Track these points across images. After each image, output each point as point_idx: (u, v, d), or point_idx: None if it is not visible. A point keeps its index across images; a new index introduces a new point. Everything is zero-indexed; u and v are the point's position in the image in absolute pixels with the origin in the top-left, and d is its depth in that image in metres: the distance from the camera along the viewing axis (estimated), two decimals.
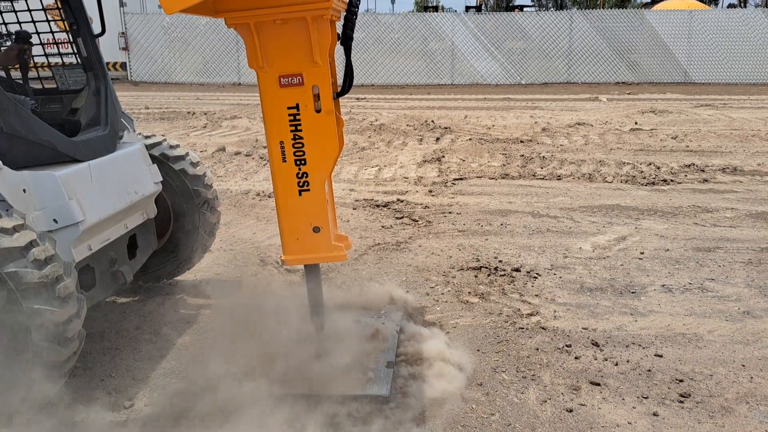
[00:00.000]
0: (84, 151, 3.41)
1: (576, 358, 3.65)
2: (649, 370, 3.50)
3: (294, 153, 3.35)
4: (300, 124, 3.32)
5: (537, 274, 4.95)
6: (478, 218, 6.40)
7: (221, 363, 3.49)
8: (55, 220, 3.10)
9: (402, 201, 7.07)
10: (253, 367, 3.42)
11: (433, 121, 12.26)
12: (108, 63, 20.93)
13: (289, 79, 3.27)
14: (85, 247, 3.37)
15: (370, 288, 4.52)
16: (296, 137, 3.33)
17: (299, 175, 3.38)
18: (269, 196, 7.26)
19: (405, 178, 8.19)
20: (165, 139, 4.30)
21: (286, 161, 3.37)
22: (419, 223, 6.29)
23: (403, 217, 6.47)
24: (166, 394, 3.31)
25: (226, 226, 6.26)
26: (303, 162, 3.37)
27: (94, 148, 3.50)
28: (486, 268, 5.04)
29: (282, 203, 3.44)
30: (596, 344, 3.80)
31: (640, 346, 3.78)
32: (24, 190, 3.03)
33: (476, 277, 4.90)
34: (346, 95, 3.45)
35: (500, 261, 5.22)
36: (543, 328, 4.02)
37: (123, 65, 20.91)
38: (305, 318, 3.67)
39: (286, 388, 3.24)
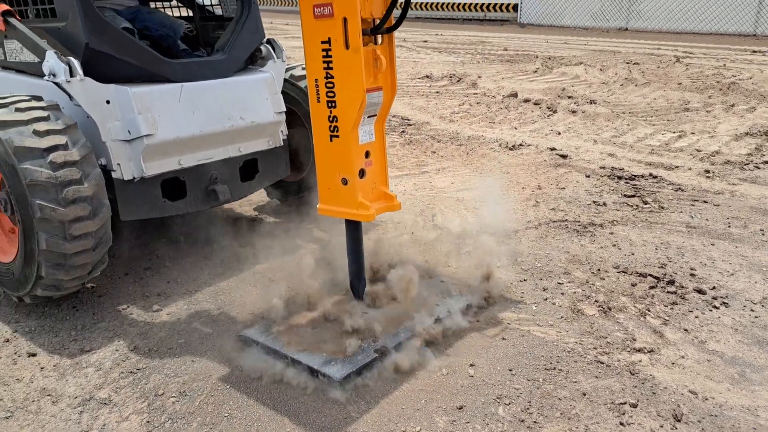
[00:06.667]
0: (180, 73, 3.68)
1: (621, 424, 2.54)
2: None
3: (326, 93, 3.04)
4: (331, 62, 2.98)
5: (725, 303, 3.52)
6: (737, 216, 4.78)
7: (251, 296, 3.52)
8: (128, 131, 3.47)
9: (655, 177, 5.70)
10: (264, 311, 3.37)
11: None
12: (498, 5, 21.62)
13: (322, 9, 2.93)
14: (171, 161, 3.70)
15: (474, 262, 3.88)
16: (328, 75, 3.01)
17: (330, 119, 3.07)
18: (511, 149, 6.68)
19: (696, 150, 6.54)
20: (300, 65, 4.36)
21: (319, 102, 3.08)
22: (646, 207, 5.02)
23: (633, 196, 5.24)
24: (189, 311, 3.50)
25: (440, 171, 6.05)
26: (333, 105, 3.03)
27: (193, 71, 3.74)
28: (657, 278, 3.79)
29: (317, 147, 3.19)
30: (677, 418, 2.57)
31: None
32: (108, 101, 3.45)
33: (633, 285, 3.73)
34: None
35: (693, 275, 3.85)
36: (632, 372, 2.88)
37: (515, 7, 21.18)
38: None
39: (257, 336, 3.10)
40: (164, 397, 2.79)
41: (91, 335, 3.29)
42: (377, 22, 2.96)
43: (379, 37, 3.03)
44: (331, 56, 2.96)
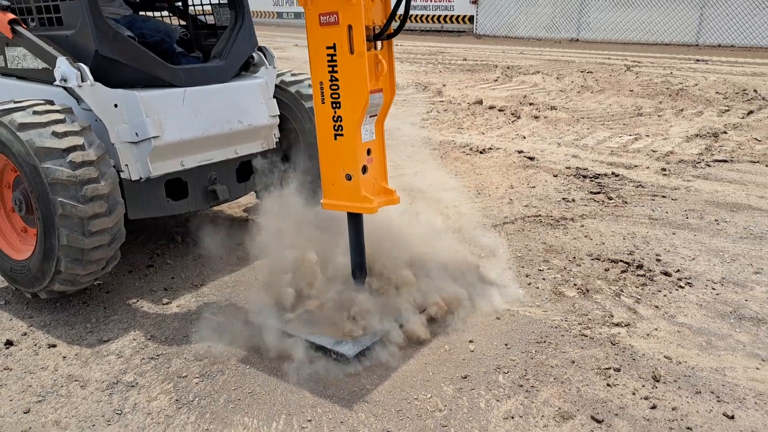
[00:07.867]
0: (183, 78, 3.87)
1: (608, 385, 2.86)
2: (689, 429, 2.56)
3: (331, 95, 3.28)
4: (336, 66, 3.22)
5: (689, 283, 3.90)
6: (693, 209, 5.21)
7: (256, 288, 3.72)
8: (136, 134, 3.65)
9: (617, 176, 6.13)
10: (271, 300, 3.57)
11: (756, 91, 10.02)
12: (454, 17, 22.20)
13: (327, 17, 3.18)
14: (175, 162, 3.88)
15: (460, 254, 4.17)
16: (333, 78, 3.25)
17: (335, 119, 3.31)
18: (481, 152, 7.04)
19: (652, 151, 7.02)
20: (289, 71, 4.59)
21: (324, 103, 3.32)
22: (611, 202, 5.41)
23: (598, 193, 5.64)
24: (197, 303, 3.68)
25: (417, 173, 6.34)
26: (338, 105, 3.28)
27: (195, 76, 3.94)
28: (627, 263, 4.16)
29: (321, 146, 3.42)
30: (656, 379, 2.91)
31: (717, 397, 2.76)
32: (115, 105, 3.62)
33: (606, 270, 4.09)
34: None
35: (658, 260, 4.23)
36: (612, 343, 3.21)
37: (471, 18, 21.81)
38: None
39: (269, 322, 3.32)
40: (188, 378, 2.98)
41: (107, 327, 3.44)
42: (377, 29, 3.24)
43: (379, 43, 3.30)
44: (336, 61, 3.21)
